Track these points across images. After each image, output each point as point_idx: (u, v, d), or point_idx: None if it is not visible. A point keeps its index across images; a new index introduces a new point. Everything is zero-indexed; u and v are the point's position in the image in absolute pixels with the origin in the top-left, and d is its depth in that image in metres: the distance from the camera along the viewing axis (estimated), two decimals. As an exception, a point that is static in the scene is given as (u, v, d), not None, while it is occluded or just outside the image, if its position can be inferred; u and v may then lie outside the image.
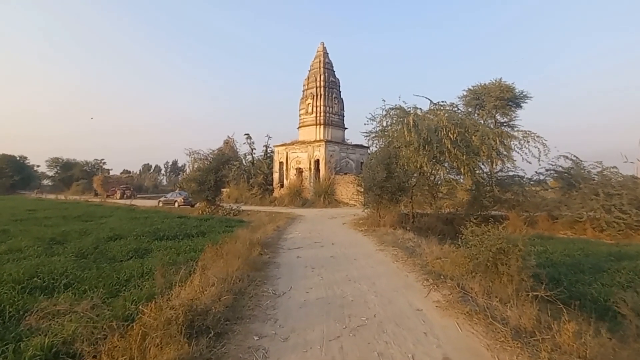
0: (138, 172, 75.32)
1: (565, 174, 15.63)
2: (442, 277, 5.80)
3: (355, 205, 25.94)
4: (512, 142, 13.70)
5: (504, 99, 20.66)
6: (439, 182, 15.41)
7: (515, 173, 16.39)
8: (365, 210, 14.96)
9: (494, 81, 21.37)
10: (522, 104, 21.93)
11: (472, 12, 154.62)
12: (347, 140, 33.21)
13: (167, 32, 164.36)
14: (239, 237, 8.76)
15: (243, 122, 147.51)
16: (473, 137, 13.00)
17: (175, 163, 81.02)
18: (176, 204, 28.30)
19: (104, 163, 66.72)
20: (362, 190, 15.66)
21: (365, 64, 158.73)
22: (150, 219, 17.69)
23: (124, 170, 73.67)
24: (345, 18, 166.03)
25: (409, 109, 14.01)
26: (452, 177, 14.86)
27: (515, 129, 16.79)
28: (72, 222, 16.33)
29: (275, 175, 32.99)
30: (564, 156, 14.78)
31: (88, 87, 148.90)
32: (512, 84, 20.72)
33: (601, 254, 10.36)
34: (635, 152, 14.24)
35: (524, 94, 21.57)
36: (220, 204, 23.55)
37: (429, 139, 12.46)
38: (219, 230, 14.04)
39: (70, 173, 61.60)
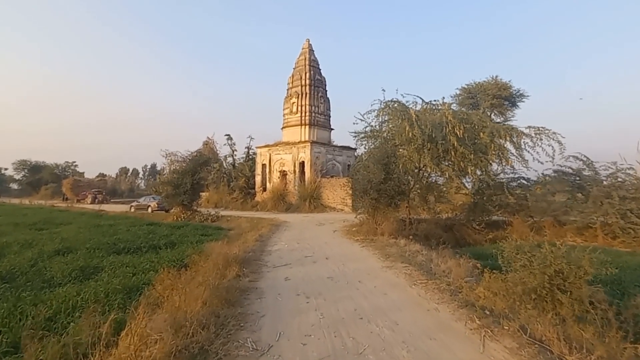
0: (115, 176, 72.06)
1: (575, 176, 14.44)
2: (487, 312, 4.23)
3: (343, 210, 24.49)
4: (523, 140, 12.37)
5: (500, 97, 19.55)
6: (440, 184, 13.95)
7: (519, 175, 15.10)
8: (359, 216, 13.39)
9: (490, 79, 20.26)
10: (518, 103, 20.90)
11: (465, 16, 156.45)
12: (333, 142, 31.72)
13: (144, 30, 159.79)
14: (213, 252, 7.01)
15: (225, 122, 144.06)
16: (481, 133, 11.63)
17: (154, 166, 77.57)
18: (149, 209, 26.09)
19: (76, 166, 63.37)
20: (355, 193, 14.12)
21: (349, 64, 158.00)
22: (115, 226, 15.63)
23: (100, 173, 70.34)
24: (331, 16, 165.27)
25: (408, 103, 12.55)
26: (457, 178, 13.40)
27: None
28: (21, 231, 14.14)
29: (258, 178, 31.14)
30: (573, 156, 13.58)
31: (71, 84, 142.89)
32: (509, 81, 19.67)
33: (634, 266, 9.04)
34: (632, 157, 13.04)
35: (520, 92, 20.54)
36: (198, 209, 21.61)
37: (433, 136, 11.01)
38: (192, 239, 12.18)
39: (39, 176, 58.18)
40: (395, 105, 12.40)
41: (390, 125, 12.55)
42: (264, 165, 30.88)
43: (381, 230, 11.42)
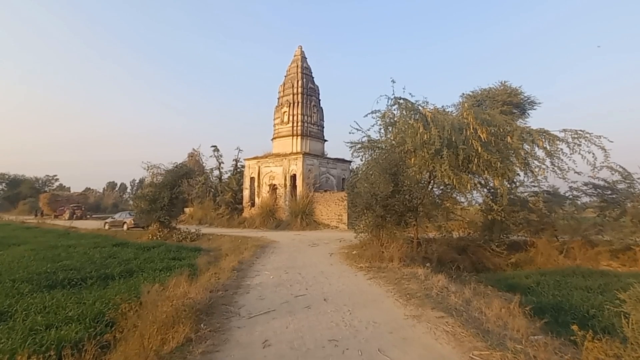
0: (102, 191, 69.13)
1: (608, 190, 12.52)
2: None
3: (338, 227, 22.33)
4: (559, 146, 10.42)
5: (511, 103, 17.80)
6: (456, 196, 11.89)
7: (542, 187, 13.09)
8: (359, 236, 11.27)
9: (498, 84, 18.58)
10: (529, 111, 19.18)
11: (465, 27, 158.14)
12: (327, 154, 29.75)
13: (133, 43, 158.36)
14: (160, 297, 4.83)
15: (214, 135, 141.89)
16: (509, 137, 9.70)
17: (142, 180, 74.90)
18: (125, 226, 23.68)
19: (56, 179, 60.47)
20: (354, 210, 12.06)
21: (341, 75, 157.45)
22: (73, 248, 13.32)
23: (86, 188, 67.33)
24: (323, 28, 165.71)
25: (417, 103, 10.61)
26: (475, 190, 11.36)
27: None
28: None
29: (246, 193, 28.89)
30: (608, 167, 11.66)
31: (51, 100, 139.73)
32: (520, 87, 17.99)
33: None
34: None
35: (531, 99, 18.85)
36: (177, 227, 19.31)
37: (452, 139, 9.06)
38: (157, 266, 9.96)
39: (17, 190, 55.22)
40: (405, 103, 10.48)
41: (400, 127, 10.53)
42: (252, 179, 28.71)
43: (389, 254, 9.31)
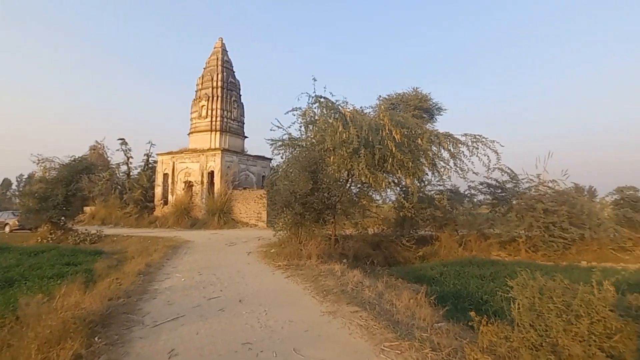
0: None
1: (499, 189, 14.28)
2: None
3: (257, 225, 21.99)
4: (460, 149, 11.53)
5: (422, 108, 19.29)
6: (372, 194, 12.47)
7: (446, 186, 14.46)
8: (278, 234, 11.18)
9: (411, 90, 19.99)
10: (437, 117, 20.99)
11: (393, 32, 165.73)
12: (247, 151, 29.07)
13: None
14: (55, 308, 4.16)
15: (124, 129, 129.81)
16: (420, 139, 10.43)
17: (32, 176, 64.70)
18: (7, 228, 20.41)
19: None
20: (274, 207, 11.93)
21: (264, 72, 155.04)
22: None
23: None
24: (247, 21, 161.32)
25: (337, 102, 10.87)
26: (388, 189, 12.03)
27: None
28: None
29: (158, 190, 26.89)
30: (499, 169, 13.31)
31: None
32: (429, 93, 19.56)
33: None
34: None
35: (438, 105, 20.65)
36: (73, 228, 17.17)
37: (369, 139, 9.43)
38: (47, 272, 8.66)
39: None
40: (326, 102, 10.64)
41: (320, 126, 10.67)
42: (166, 175, 26.83)
43: (307, 251, 9.37)
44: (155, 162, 28.67)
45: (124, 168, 30.77)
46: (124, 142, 30.35)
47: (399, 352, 3.48)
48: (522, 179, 13.84)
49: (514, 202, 13.68)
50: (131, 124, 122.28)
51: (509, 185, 14.15)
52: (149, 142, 30.07)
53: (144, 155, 30.49)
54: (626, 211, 13.96)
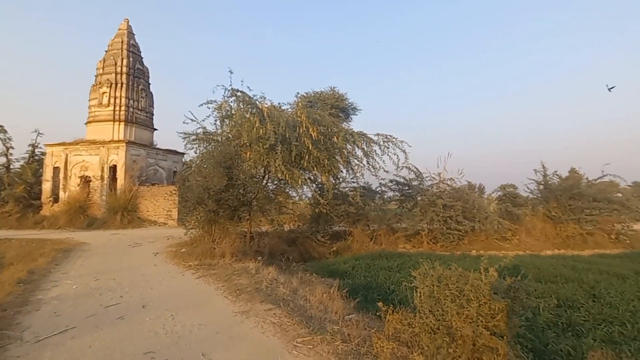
0: None
1: (406, 186, 15.44)
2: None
3: (166, 224, 20.60)
4: (373, 148, 12.15)
5: (338, 107, 19.87)
6: (289, 191, 12.51)
7: (359, 183, 15.18)
8: (189, 233, 10.61)
9: (328, 89, 20.44)
10: (352, 116, 21.79)
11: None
12: (156, 144, 27.00)
13: None
14: None
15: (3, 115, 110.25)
16: (335, 137, 10.72)
17: None
18: None
19: None
20: (185, 205, 11.27)
21: (177, 61, 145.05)
22: None
23: None
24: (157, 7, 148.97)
25: (255, 97, 10.64)
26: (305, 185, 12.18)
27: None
28: None
29: (47, 186, 23.54)
30: (407, 167, 14.40)
31: None
32: (345, 93, 20.22)
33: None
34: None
35: (354, 105, 21.46)
36: None
37: (286, 136, 9.40)
38: None
39: None
40: (243, 96, 10.34)
41: (237, 120, 10.33)
42: (56, 169, 23.59)
43: (221, 250, 9.04)
44: (43, 154, 25.08)
45: (2, 160, 26.36)
46: (2, 129, 25.99)
47: (311, 346, 3.52)
48: (426, 177, 15.19)
49: (419, 198, 14.93)
50: (11, 108, 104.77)
51: (415, 183, 15.42)
52: (36, 131, 26.24)
53: (29, 146, 26.49)
54: (507, 206, 16.27)
